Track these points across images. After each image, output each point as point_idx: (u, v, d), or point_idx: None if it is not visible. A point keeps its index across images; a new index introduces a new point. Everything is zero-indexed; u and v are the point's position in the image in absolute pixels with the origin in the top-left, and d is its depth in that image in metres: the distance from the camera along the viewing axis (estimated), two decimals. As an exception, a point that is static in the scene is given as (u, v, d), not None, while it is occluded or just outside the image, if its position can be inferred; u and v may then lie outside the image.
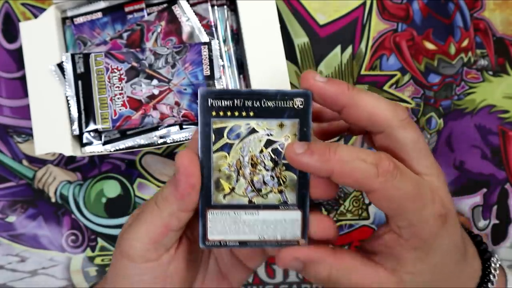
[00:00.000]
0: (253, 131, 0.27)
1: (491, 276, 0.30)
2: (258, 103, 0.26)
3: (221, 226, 0.28)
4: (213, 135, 0.27)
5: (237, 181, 0.27)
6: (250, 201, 0.28)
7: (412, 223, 0.26)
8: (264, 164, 0.27)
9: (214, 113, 0.27)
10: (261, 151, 0.27)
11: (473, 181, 0.48)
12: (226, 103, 0.26)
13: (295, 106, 0.27)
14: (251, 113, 0.27)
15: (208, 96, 0.26)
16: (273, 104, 0.26)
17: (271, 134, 0.27)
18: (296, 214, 0.28)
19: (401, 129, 0.27)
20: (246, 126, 0.27)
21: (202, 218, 0.28)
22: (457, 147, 0.47)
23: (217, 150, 0.27)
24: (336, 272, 0.28)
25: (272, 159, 0.27)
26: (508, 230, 0.48)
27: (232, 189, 0.27)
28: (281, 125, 0.27)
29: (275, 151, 0.27)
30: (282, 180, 0.28)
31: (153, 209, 0.28)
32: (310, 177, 0.27)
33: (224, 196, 0.28)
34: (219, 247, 0.28)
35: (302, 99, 0.26)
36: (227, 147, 0.27)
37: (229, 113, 0.27)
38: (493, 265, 0.30)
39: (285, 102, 0.26)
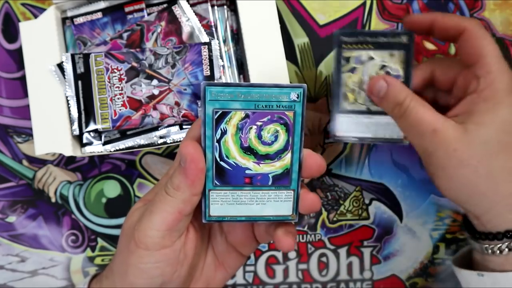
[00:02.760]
0: (371, 58, 0.38)
1: None
2: (375, 38, 0.37)
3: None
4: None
5: (359, 93, 0.38)
6: (368, 109, 0.38)
7: (490, 69, 0.32)
8: None
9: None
10: (377, 73, 0.38)
11: None
12: None
13: (402, 42, 0.37)
14: (371, 46, 0.37)
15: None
16: (385, 39, 0.37)
17: (384, 61, 0.38)
18: None
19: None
20: (367, 55, 0.38)
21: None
22: (457, 147, 0.47)
23: (346, 71, 0.38)
24: (410, 100, 0.34)
25: None
26: (508, 230, 0.48)
27: (355, 100, 0.38)
28: (391, 55, 0.37)
29: (387, 72, 0.38)
30: None
31: (165, 199, 0.30)
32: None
33: (349, 104, 0.38)
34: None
35: (408, 36, 0.37)
36: (352, 70, 0.38)
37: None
38: None
39: (394, 38, 0.37)
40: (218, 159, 0.30)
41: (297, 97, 0.29)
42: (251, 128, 0.29)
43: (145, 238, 0.30)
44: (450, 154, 0.32)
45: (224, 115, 0.29)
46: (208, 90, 0.28)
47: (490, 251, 0.33)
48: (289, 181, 0.31)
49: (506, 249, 0.32)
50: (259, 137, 0.30)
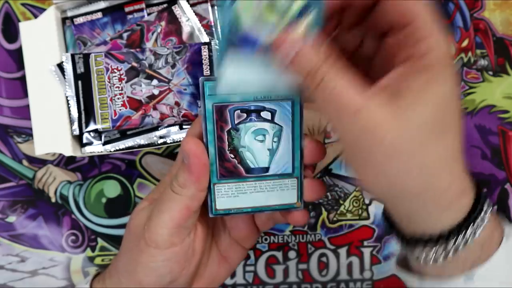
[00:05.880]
0: None
1: (485, 203, 0.27)
2: None
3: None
4: None
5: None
6: None
7: (426, 33, 0.25)
8: None
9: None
10: None
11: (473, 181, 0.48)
12: None
13: None
14: None
15: None
16: None
17: None
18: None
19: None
20: None
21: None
22: (457, 147, 0.47)
23: None
24: (326, 68, 0.25)
25: None
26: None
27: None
28: None
29: None
30: None
31: (173, 197, 0.30)
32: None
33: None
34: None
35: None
36: None
37: None
38: (486, 204, 0.27)
39: None
40: None
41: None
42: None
43: (156, 237, 0.30)
44: (377, 142, 0.24)
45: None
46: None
47: (422, 261, 0.27)
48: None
49: (441, 258, 0.26)
50: None
